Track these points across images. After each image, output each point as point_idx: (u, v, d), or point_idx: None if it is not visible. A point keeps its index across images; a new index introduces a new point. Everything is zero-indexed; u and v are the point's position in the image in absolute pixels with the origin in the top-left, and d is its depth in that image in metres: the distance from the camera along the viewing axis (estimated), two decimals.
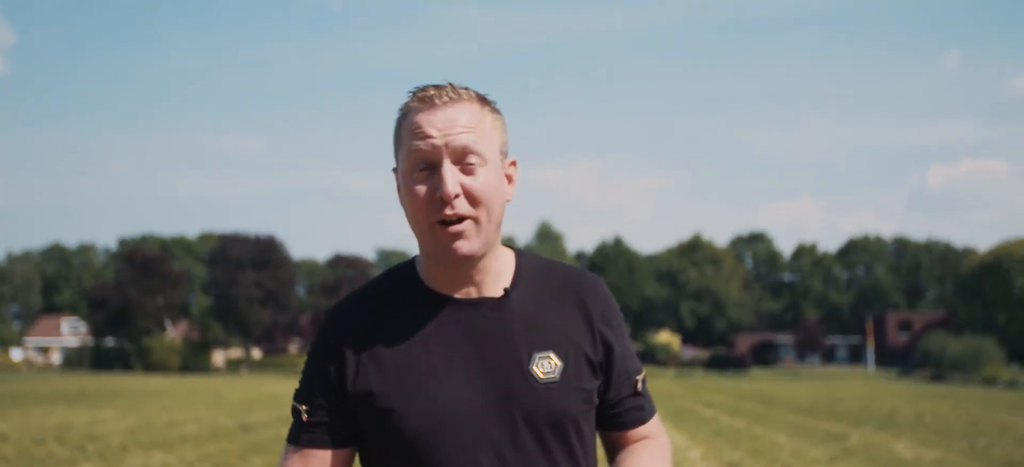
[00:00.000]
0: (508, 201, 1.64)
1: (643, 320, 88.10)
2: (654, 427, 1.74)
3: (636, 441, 1.71)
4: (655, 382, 44.14)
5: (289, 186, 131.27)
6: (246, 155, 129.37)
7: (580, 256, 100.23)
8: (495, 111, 1.64)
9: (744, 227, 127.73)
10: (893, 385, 44.88)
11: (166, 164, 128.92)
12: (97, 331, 60.55)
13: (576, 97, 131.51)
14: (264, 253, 60.95)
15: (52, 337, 76.15)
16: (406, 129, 1.59)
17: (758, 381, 49.20)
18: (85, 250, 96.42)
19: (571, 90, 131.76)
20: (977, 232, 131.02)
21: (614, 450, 1.72)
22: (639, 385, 1.71)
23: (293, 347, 69.16)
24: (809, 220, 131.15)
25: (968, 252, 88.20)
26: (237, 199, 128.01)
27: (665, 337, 76.63)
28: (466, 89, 1.61)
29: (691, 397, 29.69)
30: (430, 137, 1.54)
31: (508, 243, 1.71)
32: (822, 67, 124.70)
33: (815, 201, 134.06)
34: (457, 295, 1.60)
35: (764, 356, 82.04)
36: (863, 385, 43.84)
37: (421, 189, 1.55)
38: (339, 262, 62.96)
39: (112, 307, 58.63)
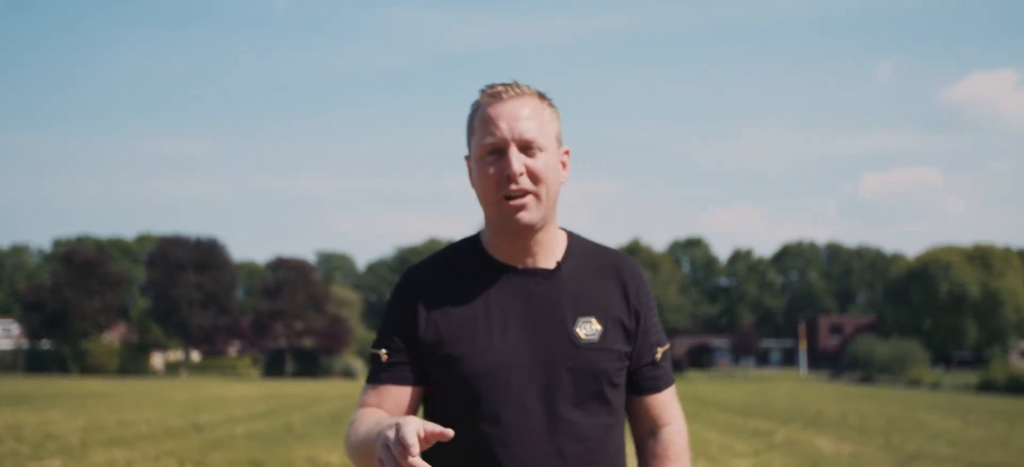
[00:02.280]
0: (563, 182, 1.92)
1: None
2: (668, 398, 1.99)
3: (651, 408, 1.96)
4: None
5: (229, 189, 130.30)
6: (185, 157, 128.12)
7: None
8: (552, 106, 1.92)
9: (682, 233, 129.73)
10: (823, 387, 46.33)
11: (101, 165, 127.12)
12: (32, 333, 59.79)
13: None
14: (205, 255, 60.70)
15: None
16: (478, 121, 1.87)
17: (693, 383, 50.40)
18: (18, 251, 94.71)
19: None
20: (908, 239, 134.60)
21: (633, 411, 1.98)
22: (659, 355, 1.97)
23: (233, 349, 68.86)
24: (746, 226, 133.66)
25: (897, 258, 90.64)
26: (175, 201, 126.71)
27: None
28: (528, 86, 1.89)
29: None
30: (499, 127, 1.83)
31: (562, 227, 1.98)
32: (760, 77, 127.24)
33: (752, 208, 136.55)
34: (516, 264, 1.88)
35: (700, 359, 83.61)
36: (794, 387, 45.19)
37: (491, 170, 1.82)
38: (281, 265, 62.90)
39: (48, 309, 57.96)
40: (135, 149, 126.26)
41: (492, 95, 1.86)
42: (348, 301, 68.55)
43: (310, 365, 59.37)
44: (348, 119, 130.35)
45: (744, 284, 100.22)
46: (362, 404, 1.88)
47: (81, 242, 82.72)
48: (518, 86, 1.88)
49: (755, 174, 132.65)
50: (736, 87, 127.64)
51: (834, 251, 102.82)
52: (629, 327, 1.90)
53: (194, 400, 26.46)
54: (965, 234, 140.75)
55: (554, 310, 1.85)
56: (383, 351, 1.87)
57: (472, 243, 1.93)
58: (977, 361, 67.62)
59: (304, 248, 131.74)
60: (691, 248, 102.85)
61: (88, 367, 57.89)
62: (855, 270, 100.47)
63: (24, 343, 61.83)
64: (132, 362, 60.13)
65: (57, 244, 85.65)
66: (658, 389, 1.97)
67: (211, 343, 63.19)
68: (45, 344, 60.87)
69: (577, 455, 1.82)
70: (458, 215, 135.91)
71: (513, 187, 1.80)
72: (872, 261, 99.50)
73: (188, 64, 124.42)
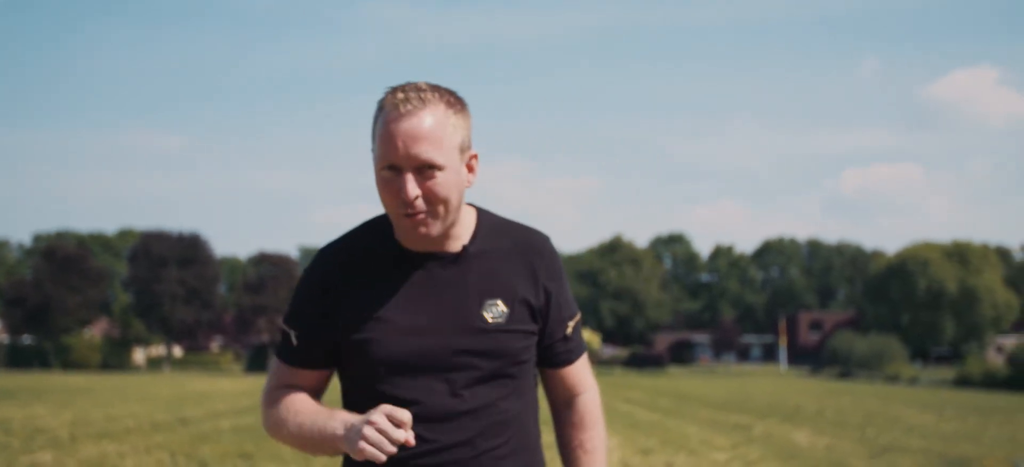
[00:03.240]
0: (468, 187, 1.89)
1: None
2: (581, 367, 2.04)
3: (565, 379, 2.03)
4: None
5: (212, 184, 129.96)
6: (167, 152, 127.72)
7: None
8: (459, 110, 1.85)
9: (664, 229, 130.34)
10: (803, 382, 46.81)
11: (82, 160, 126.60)
12: (13, 328, 59.63)
13: (500, 99, 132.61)
14: (188, 251, 60.66)
15: None
16: (378, 131, 1.81)
17: (675, 379, 50.80)
18: None
19: (495, 91, 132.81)
20: (889, 235, 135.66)
21: (547, 383, 2.06)
22: (570, 329, 2.00)
23: (215, 345, 68.80)
24: (728, 223, 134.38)
25: (877, 255, 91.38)
26: (157, 196, 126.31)
27: (585, 336, 77.86)
28: (434, 91, 1.82)
29: (610, 393, 30.88)
30: (396, 148, 1.77)
31: (472, 204, 1.98)
32: (744, 73, 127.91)
33: (734, 204, 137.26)
34: (422, 250, 1.89)
35: (681, 355, 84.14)
36: (774, 382, 45.64)
37: (388, 186, 1.80)
38: (264, 260, 62.90)
39: (29, 304, 57.81)
40: (117, 144, 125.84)
41: (393, 106, 1.79)
42: None
43: None
44: (331, 114, 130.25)
45: (725, 280, 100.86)
46: (278, 382, 1.95)
47: (62, 237, 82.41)
48: (422, 93, 1.81)
49: (737, 170, 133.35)
50: (719, 83, 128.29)
51: (815, 248, 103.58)
52: (537, 306, 1.92)
53: (178, 395, 26.56)
54: (945, 231, 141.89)
55: (460, 294, 1.87)
56: (293, 332, 1.91)
57: (384, 227, 1.92)
58: (954, 356, 68.41)
59: (287, 243, 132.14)
60: (673, 244, 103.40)
61: (70, 362, 57.79)
62: (835, 266, 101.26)
63: (5, 338, 61.66)
64: (114, 357, 60.05)
65: (38, 239, 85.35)
66: (570, 361, 2.02)
67: (193, 338, 63.17)
68: (26, 339, 60.72)
69: (487, 433, 1.87)
70: None
71: (409, 211, 1.80)
72: (852, 258, 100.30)
73: (171, 59, 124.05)
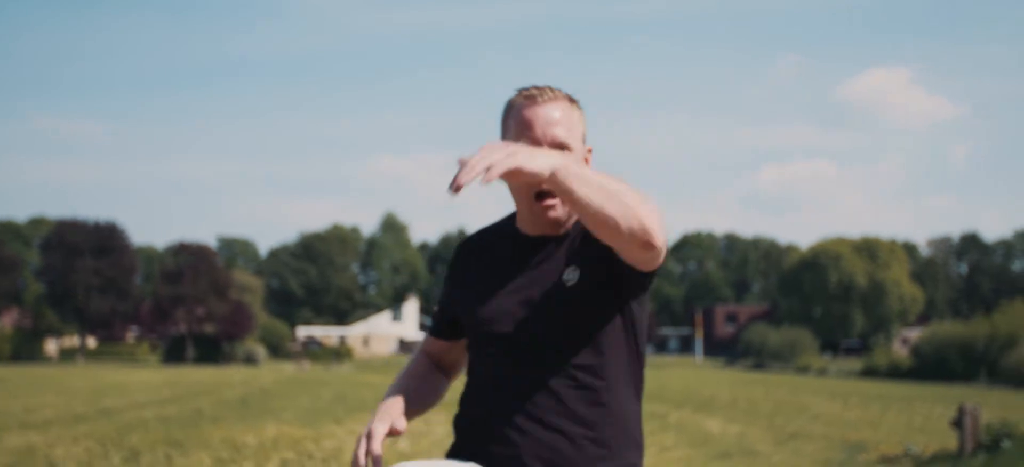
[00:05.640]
0: None
1: None
2: None
3: None
4: None
5: (128, 172, 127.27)
6: (81, 139, 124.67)
7: (424, 247, 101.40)
8: (579, 108, 2.11)
9: None
10: (717, 373, 47.97)
11: None
12: None
13: (424, 89, 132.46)
14: (104, 240, 59.55)
15: None
16: (513, 121, 2.06)
17: None
18: None
19: (420, 82, 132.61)
20: (803, 230, 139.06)
21: None
22: None
23: (131, 336, 67.69)
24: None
25: (791, 249, 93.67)
26: (70, 184, 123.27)
27: None
28: (559, 90, 2.08)
29: None
30: (533, 130, 2.02)
31: None
32: (665, 69, 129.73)
33: (657, 198, 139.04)
34: (535, 234, 2.11)
35: None
36: (690, 373, 46.66)
37: None
38: (183, 250, 62.06)
39: None
40: (26, 130, 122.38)
41: (528, 98, 2.06)
42: (250, 287, 68.06)
43: (211, 351, 58.80)
44: (250, 103, 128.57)
45: None
46: (420, 348, 2.33)
47: None
48: (552, 90, 2.06)
49: (658, 164, 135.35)
50: (639, 78, 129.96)
51: (732, 241, 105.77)
52: (611, 270, 2.04)
53: (95, 386, 26.25)
54: (856, 226, 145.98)
55: (553, 265, 2.08)
56: (436, 309, 2.29)
57: (509, 219, 2.19)
58: (862, 348, 70.60)
59: (205, 233, 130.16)
60: None
61: None
62: (751, 260, 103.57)
63: None
64: (25, 348, 58.67)
65: None
66: None
67: (109, 329, 62.08)
68: None
69: (570, 394, 2.04)
70: (361, 201, 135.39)
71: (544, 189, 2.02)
72: (767, 252, 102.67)
73: (87, 44, 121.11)
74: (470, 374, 2.19)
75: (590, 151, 2.17)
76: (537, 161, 1.80)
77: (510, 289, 2.09)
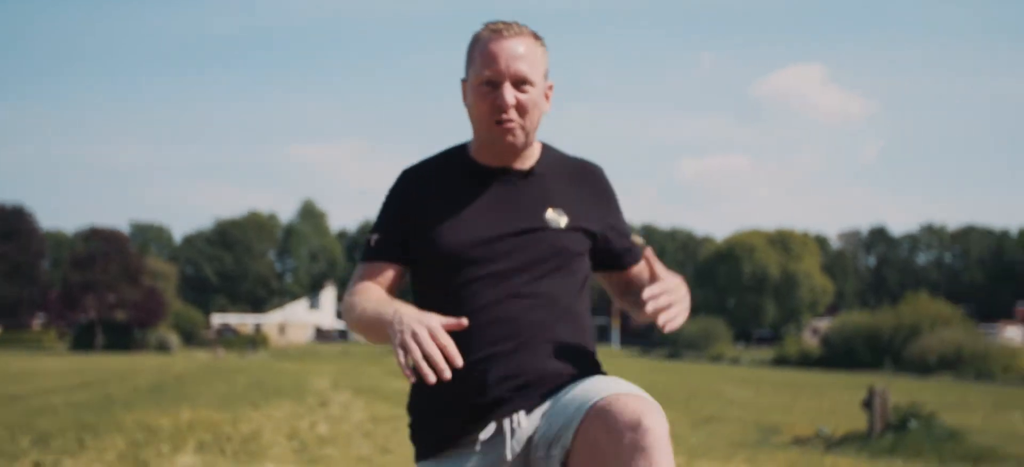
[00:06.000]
0: (545, 112, 2.17)
1: (403, 299, 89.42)
2: (643, 270, 2.27)
3: (632, 277, 2.31)
4: None
5: (35, 155, 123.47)
6: None
7: (343, 235, 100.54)
8: (543, 45, 2.16)
9: None
10: (634, 361, 48.58)
11: None
12: None
13: (344, 76, 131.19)
14: (10, 224, 57.72)
15: None
16: (479, 52, 2.12)
17: None
18: None
19: (339, 69, 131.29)
20: (719, 222, 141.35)
21: (618, 288, 2.32)
22: (631, 238, 2.30)
23: (38, 323, 65.74)
24: None
25: (707, 241, 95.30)
26: None
27: None
28: (525, 26, 2.14)
29: None
30: (498, 62, 2.09)
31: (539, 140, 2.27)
32: (585, 62, 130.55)
33: None
34: (496, 166, 2.18)
35: None
36: (607, 361, 46.62)
37: (487, 99, 2.09)
38: (94, 235, 60.43)
39: None
40: None
41: (494, 31, 2.12)
42: (164, 273, 66.68)
43: (122, 338, 57.43)
44: (165, 86, 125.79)
45: None
46: (357, 280, 2.21)
47: None
48: (518, 25, 2.13)
49: (580, 155, 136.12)
50: (558, 70, 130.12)
51: (649, 232, 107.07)
52: (591, 219, 2.21)
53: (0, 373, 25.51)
54: (769, 219, 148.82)
55: (525, 202, 2.16)
56: (374, 236, 2.23)
57: (460, 150, 2.23)
58: (774, 338, 72.19)
59: (118, 218, 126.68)
60: None
61: None
62: (668, 251, 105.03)
63: None
64: None
65: None
66: (637, 260, 2.32)
67: (14, 315, 60.22)
68: None
69: (544, 319, 2.11)
70: (280, 188, 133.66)
71: (504, 116, 2.10)
72: (684, 243, 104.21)
73: None
74: (430, 307, 2.13)
75: (551, 87, 2.22)
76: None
77: (487, 219, 2.14)
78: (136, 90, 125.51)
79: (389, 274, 2.23)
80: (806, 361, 45.01)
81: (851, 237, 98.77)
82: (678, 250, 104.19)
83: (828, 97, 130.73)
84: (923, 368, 35.27)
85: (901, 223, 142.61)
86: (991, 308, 79.11)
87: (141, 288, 58.34)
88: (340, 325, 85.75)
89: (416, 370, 1.90)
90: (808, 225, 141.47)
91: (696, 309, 73.70)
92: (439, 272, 2.16)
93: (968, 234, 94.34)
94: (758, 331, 76.65)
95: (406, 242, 2.21)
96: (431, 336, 1.91)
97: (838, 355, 42.83)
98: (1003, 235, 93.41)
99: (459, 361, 1.90)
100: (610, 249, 2.29)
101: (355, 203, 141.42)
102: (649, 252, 2.20)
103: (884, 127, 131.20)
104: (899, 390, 21.19)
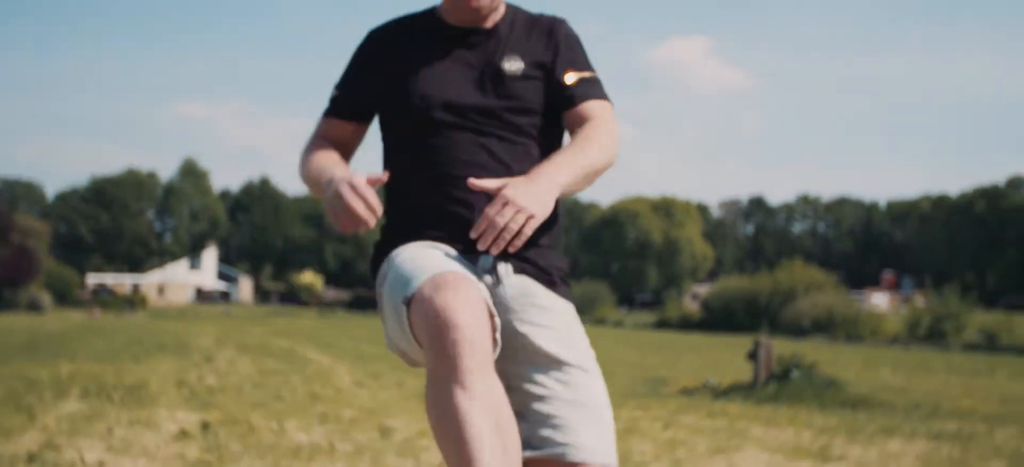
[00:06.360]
0: None
1: (287, 260, 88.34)
2: (598, 105, 2.26)
3: (580, 114, 2.23)
4: (297, 321, 45.17)
5: None
6: None
7: (225, 195, 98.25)
8: None
9: None
10: None
11: None
12: None
13: (229, 34, 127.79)
14: None
15: None
16: None
17: None
18: None
19: (225, 27, 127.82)
20: (604, 189, 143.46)
21: (570, 126, 2.26)
22: (580, 75, 2.26)
23: None
24: None
25: (592, 207, 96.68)
26: None
27: (308, 278, 77.57)
28: None
29: (334, 332, 31.22)
30: None
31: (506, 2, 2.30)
32: None
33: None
34: (462, 25, 2.23)
35: None
36: None
37: None
38: None
39: None
40: None
41: None
42: (36, 231, 64.02)
43: None
44: (38, 36, 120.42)
45: None
46: (316, 134, 2.28)
47: None
48: None
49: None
50: None
51: None
52: (548, 59, 2.23)
53: None
54: (654, 187, 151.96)
55: (488, 57, 2.20)
56: (337, 91, 2.27)
57: (427, 12, 2.28)
58: (655, 302, 73.85)
59: None
60: None
61: None
62: None
63: None
64: None
65: None
66: (587, 96, 2.24)
67: None
68: None
69: (509, 167, 2.13)
70: (160, 146, 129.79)
71: None
72: (569, 209, 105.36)
73: None
74: (397, 165, 2.19)
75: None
76: (546, 203, 1.99)
77: (452, 75, 2.18)
78: (9, 40, 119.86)
79: (347, 130, 2.29)
80: (687, 324, 46.22)
81: (731, 206, 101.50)
82: (564, 216, 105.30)
83: (712, 69, 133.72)
84: (798, 331, 36.63)
85: (778, 194, 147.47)
86: (860, 276, 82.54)
87: (10, 245, 55.96)
88: (222, 286, 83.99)
89: (344, 226, 2.00)
90: (690, 193, 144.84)
91: (580, 273, 74.89)
92: (405, 127, 2.20)
93: (841, 205, 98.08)
94: (641, 295, 78.23)
95: (369, 100, 2.26)
96: (353, 190, 1.97)
97: (718, 319, 44.13)
98: (872, 207, 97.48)
99: (379, 211, 1.99)
100: (564, 85, 2.24)
101: (239, 163, 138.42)
102: (601, 104, 2.25)
103: (764, 100, 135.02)
104: (778, 350, 22.03)
